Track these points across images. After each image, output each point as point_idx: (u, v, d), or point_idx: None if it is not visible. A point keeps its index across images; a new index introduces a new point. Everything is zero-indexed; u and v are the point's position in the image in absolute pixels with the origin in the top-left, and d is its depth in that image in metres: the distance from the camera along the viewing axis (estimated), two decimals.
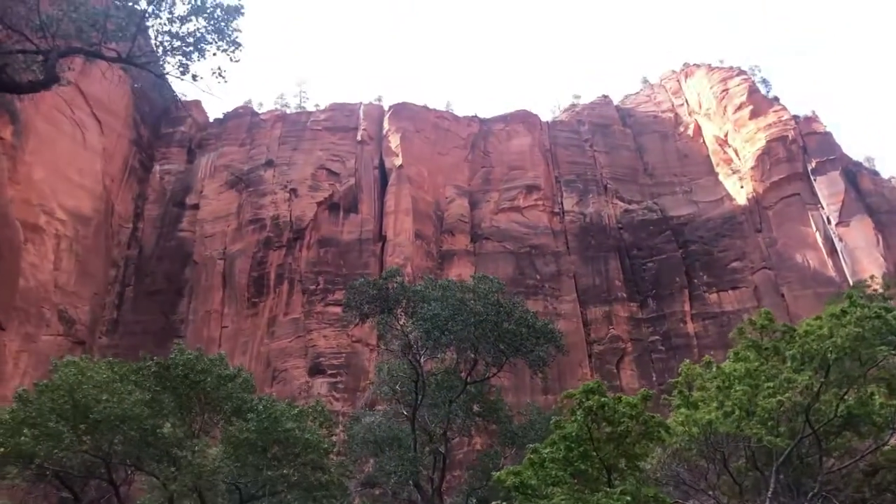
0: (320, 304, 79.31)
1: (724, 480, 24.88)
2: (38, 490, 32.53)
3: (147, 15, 16.31)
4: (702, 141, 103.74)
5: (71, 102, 78.43)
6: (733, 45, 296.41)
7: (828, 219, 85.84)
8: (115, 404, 28.43)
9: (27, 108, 70.88)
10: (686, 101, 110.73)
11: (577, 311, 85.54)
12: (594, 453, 18.76)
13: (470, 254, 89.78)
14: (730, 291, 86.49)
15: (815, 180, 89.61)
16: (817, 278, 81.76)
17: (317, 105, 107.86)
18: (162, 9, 16.35)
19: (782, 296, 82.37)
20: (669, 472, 25.96)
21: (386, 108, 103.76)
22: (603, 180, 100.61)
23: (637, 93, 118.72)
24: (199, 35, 16.65)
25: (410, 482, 36.26)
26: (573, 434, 18.87)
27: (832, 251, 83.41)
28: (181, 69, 16.58)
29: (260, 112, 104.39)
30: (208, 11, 16.54)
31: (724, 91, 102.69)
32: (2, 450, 28.02)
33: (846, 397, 22.65)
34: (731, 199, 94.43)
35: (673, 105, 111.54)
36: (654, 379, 77.80)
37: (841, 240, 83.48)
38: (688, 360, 31.48)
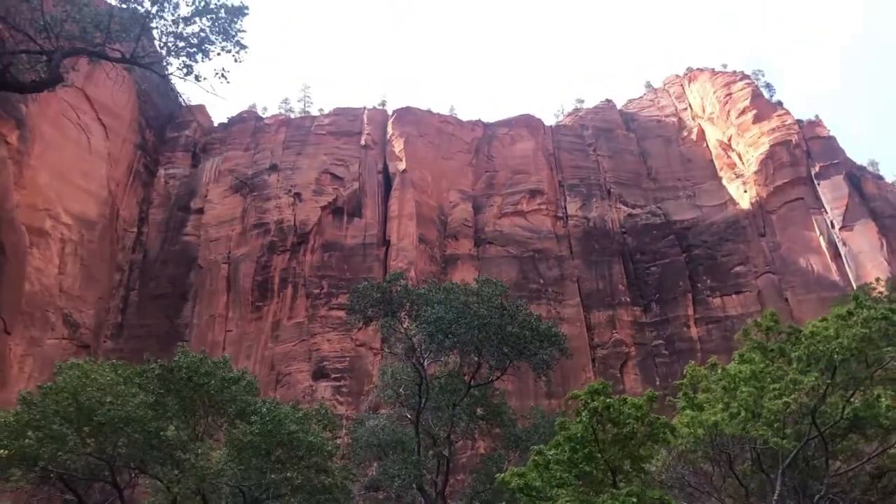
0: (324, 308, 79.35)
1: (729, 483, 24.67)
2: (42, 492, 32.49)
3: (151, 16, 16.32)
4: (705, 145, 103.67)
5: (76, 107, 78.80)
6: (736, 49, 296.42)
7: (831, 223, 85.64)
8: (119, 407, 28.39)
9: (33, 113, 71.22)
10: (689, 105, 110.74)
11: (581, 316, 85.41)
12: (599, 455, 18.60)
13: (473, 258, 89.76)
14: (733, 296, 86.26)
15: (818, 184, 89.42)
16: (821, 282, 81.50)
17: (321, 110, 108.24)
18: (166, 10, 16.37)
19: (786, 300, 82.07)
20: (674, 475, 25.76)
21: (390, 112, 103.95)
22: (606, 184, 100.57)
23: (640, 97, 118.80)
24: (203, 36, 16.66)
25: (414, 486, 36.20)
26: (578, 435, 18.74)
27: (836, 255, 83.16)
28: (185, 70, 16.61)
29: (264, 117, 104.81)
30: (212, 12, 16.56)
31: (727, 95, 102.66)
32: (6, 452, 27.97)
33: (852, 399, 22.47)
34: (734, 203, 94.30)
35: (676, 109, 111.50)
36: (658, 383, 77.44)
37: (845, 244, 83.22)
38: (693, 362, 31.31)
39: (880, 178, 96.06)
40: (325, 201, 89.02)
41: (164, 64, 16.82)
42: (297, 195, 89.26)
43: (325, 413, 35.33)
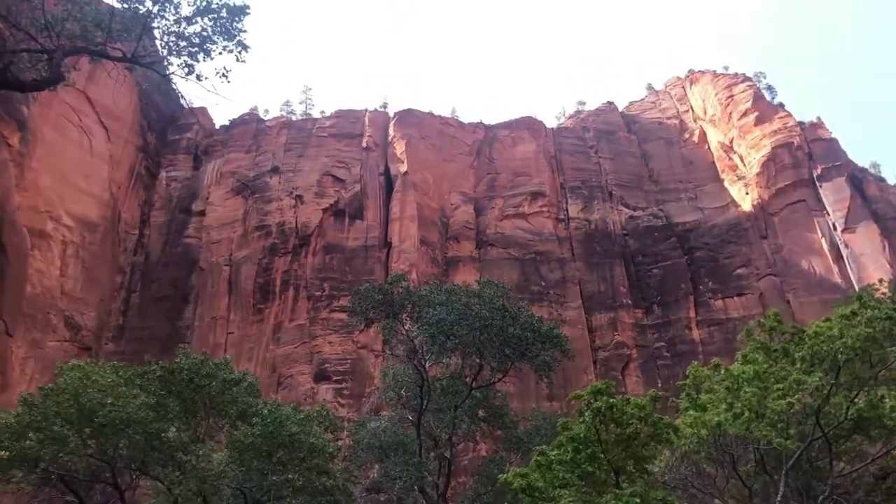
0: (325, 311, 79.33)
1: (732, 484, 24.54)
2: (43, 494, 32.42)
3: (152, 15, 16.30)
4: (707, 147, 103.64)
5: (78, 109, 78.93)
6: (738, 51, 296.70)
7: (833, 225, 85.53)
8: (120, 408, 28.31)
9: (35, 115, 71.34)
10: (691, 107, 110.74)
11: (582, 318, 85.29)
12: (602, 455, 18.49)
13: (475, 260, 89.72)
14: (735, 298, 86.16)
15: (820, 186, 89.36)
16: (823, 285, 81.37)
17: (322, 112, 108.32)
18: (167, 9, 16.34)
19: (788, 302, 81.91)
20: (678, 476, 25.63)
21: (391, 114, 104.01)
22: (608, 187, 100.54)
23: (642, 99, 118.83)
24: (204, 35, 16.63)
25: (415, 488, 36.05)
26: (581, 435, 18.63)
27: (838, 257, 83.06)
28: (186, 69, 16.56)
29: (266, 119, 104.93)
30: (214, 12, 16.53)
31: (729, 98, 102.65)
32: (7, 454, 27.92)
33: (856, 400, 22.35)
34: (736, 205, 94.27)
35: (678, 112, 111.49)
36: (660, 385, 77.21)
37: (847, 246, 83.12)
38: (696, 362, 31.18)
39: (882, 179, 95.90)
40: (326, 203, 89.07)
41: (166, 64, 16.79)
42: (299, 197, 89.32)
43: (326, 415, 35.24)
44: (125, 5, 16.31)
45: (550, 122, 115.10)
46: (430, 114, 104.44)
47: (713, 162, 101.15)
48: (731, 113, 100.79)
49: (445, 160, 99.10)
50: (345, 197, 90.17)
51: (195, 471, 28.60)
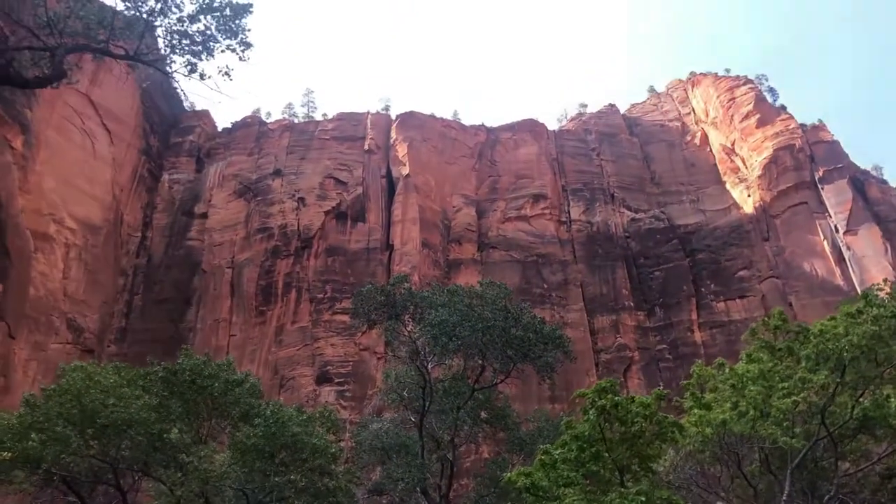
0: (328, 313, 79.36)
1: (737, 484, 24.41)
2: (45, 495, 32.30)
3: (155, 13, 16.30)
4: (709, 150, 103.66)
5: (81, 112, 79.14)
6: (740, 54, 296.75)
7: (835, 227, 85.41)
8: (123, 409, 28.23)
9: (38, 119, 71.53)
10: (693, 110, 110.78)
11: (584, 320, 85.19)
12: (606, 454, 18.37)
13: (477, 262, 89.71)
14: (737, 300, 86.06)
15: (822, 189, 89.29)
16: (825, 287, 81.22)
17: (324, 114, 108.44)
18: (170, 7, 16.31)
19: (790, 304, 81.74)
20: (682, 475, 25.50)
21: (393, 117, 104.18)
22: (610, 189, 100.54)
23: (644, 102, 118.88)
24: (208, 34, 16.63)
25: (418, 489, 35.89)
26: (585, 434, 18.53)
27: (840, 260, 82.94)
28: (189, 67, 16.54)
29: (268, 121, 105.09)
30: (217, 10, 16.52)
31: (730, 100, 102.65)
32: (9, 454, 27.85)
33: (861, 399, 22.24)
34: (738, 207, 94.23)
35: (680, 114, 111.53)
36: (662, 388, 77.10)
37: (849, 248, 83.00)
38: (700, 361, 31.07)
39: (884, 182, 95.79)
40: (328, 206, 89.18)
41: (169, 62, 16.80)
42: (301, 200, 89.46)
43: (328, 415, 35.14)
44: (128, 3, 16.34)
45: (552, 125, 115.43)
46: (432, 116, 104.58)
47: (715, 164, 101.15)
48: (732, 115, 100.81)
49: (447, 163, 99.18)
50: (347, 199, 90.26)
51: (197, 472, 28.52)
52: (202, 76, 16.36)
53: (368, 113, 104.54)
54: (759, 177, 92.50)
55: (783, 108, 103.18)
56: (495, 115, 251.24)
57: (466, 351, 36.28)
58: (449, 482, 37.18)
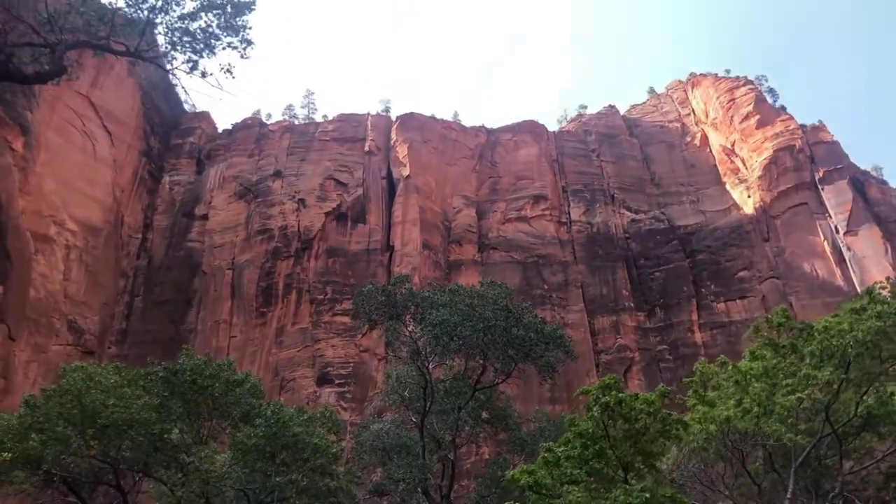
0: (328, 314, 79.30)
1: (741, 482, 24.30)
2: (45, 496, 32.10)
3: (156, 10, 16.24)
4: (709, 150, 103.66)
5: (82, 114, 79.12)
6: (740, 54, 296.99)
7: (836, 228, 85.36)
8: (123, 409, 28.14)
9: (38, 120, 71.51)
10: (693, 110, 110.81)
11: (585, 321, 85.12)
12: (610, 451, 18.26)
13: (477, 263, 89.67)
14: (738, 301, 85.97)
15: (822, 189, 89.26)
16: (825, 287, 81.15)
17: (325, 116, 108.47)
18: (171, 4, 16.24)
19: (790, 305, 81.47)
20: (686, 473, 25.39)
21: (393, 118, 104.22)
22: (610, 190, 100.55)
23: (644, 103, 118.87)
24: (209, 31, 16.57)
25: (419, 490, 35.81)
26: (589, 431, 18.41)
27: (840, 260, 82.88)
28: (190, 65, 16.48)
29: (268, 123, 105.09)
30: (219, 7, 16.46)
31: (730, 101, 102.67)
32: (9, 455, 27.68)
33: (865, 397, 22.15)
34: (738, 208, 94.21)
35: (679, 115, 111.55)
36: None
37: (849, 249, 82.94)
38: (703, 359, 30.96)
39: (884, 182, 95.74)
40: (328, 207, 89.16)
41: (170, 60, 16.73)
42: (301, 201, 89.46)
43: (329, 416, 35.11)
44: (129, 0, 16.25)
45: (552, 126, 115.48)
46: (433, 118, 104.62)
47: (715, 165, 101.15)
48: (732, 116, 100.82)
49: (448, 164, 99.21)
50: (347, 201, 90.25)
51: (198, 472, 28.46)
52: (204, 74, 16.32)
53: (369, 114, 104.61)
54: (760, 177, 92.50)
55: (783, 108, 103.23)
56: (495, 116, 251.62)
57: (467, 351, 36.25)
58: (450, 483, 37.12)
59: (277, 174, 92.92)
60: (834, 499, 22.12)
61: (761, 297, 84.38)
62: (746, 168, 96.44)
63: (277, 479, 29.61)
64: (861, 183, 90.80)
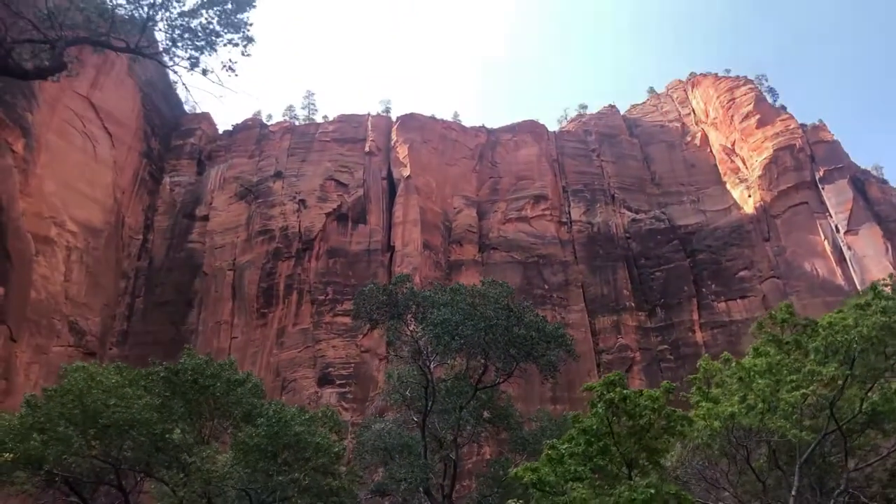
0: (329, 315, 79.26)
1: (744, 479, 24.19)
2: (47, 496, 32.01)
3: (156, 6, 16.19)
4: (709, 150, 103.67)
5: (82, 116, 79.10)
6: (740, 54, 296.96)
7: (836, 227, 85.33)
8: (125, 409, 28.08)
9: (39, 122, 71.50)
10: (693, 110, 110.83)
11: (586, 321, 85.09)
12: (614, 448, 18.18)
13: (478, 264, 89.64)
14: (738, 300, 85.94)
15: (822, 189, 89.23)
16: (826, 287, 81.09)
17: (325, 116, 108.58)
18: (171, 1, 16.17)
19: (791, 304, 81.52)
20: (690, 470, 25.31)
21: (394, 118, 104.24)
22: (610, 190, 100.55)
23: (644, 103, 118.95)
24: (210, 28, 16.51)
25: (421, 489, 35.72)
26: (593, 428, 18.33)
27: (841, 259, 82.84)
28: (191, 62, 16.43)
29: (269, 124, 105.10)
30: (219, 4, 16.41)
31: (730, 100, 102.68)
32: (11, 455, 27.65)
33: (870, 394, 22.04)
34: (738, 207, 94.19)
35: (680, 115, 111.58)
36: None
37: (849, 248, 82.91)
38: (707, 355, 30.86)
39: (884, 182, 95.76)
40: (329, 208, 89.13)
41: (171, 57, 16.67)
42: (302, 202, 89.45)
43: (330, 415, 35.05)
44: None
45: (552, 126, 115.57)
46: (433, 118, 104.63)
47: (715, 165, 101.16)
48: (732, 116, 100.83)
49: (448, 164, 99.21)
50: (348, 201, 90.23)
51: (200, 472, 28.40)
52: (205, 71, 16.29)
53: (369, 115, 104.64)
54: (760, 177, 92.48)
55: (783, 108, 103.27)
56: (495, 116, 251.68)
57: (469, 350, 36.18)
58: (452, 482, 37.04)
59: (278, 175, 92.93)
60: (839, 496, 22.01)
61: (762, 297, 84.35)
62: (747, 167, 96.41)
63: (279, 478, 29.49)
64: (861, 182, 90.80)
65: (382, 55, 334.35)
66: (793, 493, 21.39)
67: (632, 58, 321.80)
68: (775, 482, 24.00)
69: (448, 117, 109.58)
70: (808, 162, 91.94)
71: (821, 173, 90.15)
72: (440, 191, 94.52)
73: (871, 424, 23.06)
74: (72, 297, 71.37)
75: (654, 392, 18.87)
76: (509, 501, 23.43)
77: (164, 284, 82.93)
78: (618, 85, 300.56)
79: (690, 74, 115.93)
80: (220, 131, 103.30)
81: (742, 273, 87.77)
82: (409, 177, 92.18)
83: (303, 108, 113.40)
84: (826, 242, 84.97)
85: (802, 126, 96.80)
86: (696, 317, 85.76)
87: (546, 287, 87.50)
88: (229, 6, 16.55)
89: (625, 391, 18.32)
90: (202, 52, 16.47)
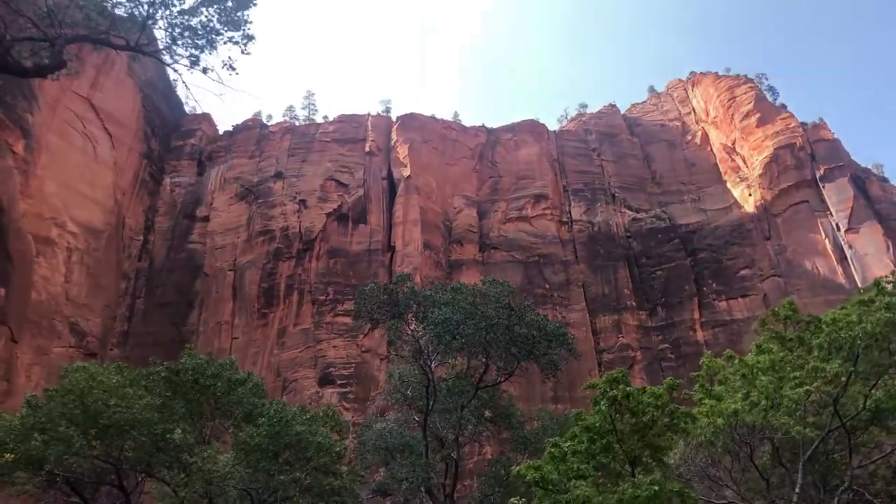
0: (330, 315, 79.21)
1: (748, 476, 24.10)
2: (48, 496, 31.95)
3: (156, 4, 16.14)
4: (709, 149, 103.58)
5: (82, 116, 79.08)
6: (740, 53, 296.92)
7: (837, 226, 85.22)
8: (126, 409, 28.04)
9: (39, 123, 71.48)
10: (693, 109, 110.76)
11: (587, 320, 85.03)
12: (617, 445, 18.10)
13: (478, 263, 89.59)
14: (739, 299, 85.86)
15: (823, 187, 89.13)
16: (827, 285, 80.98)
17: (325, 117, 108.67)
18: None
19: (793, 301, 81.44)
20: (693, 468, 25.24)
21: (394, 118, 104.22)
22: (611, 189, 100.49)
23: (644, 102, 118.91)
24: (210, 26, 16.46)
25: (422, 489, 35.63)
26: (596, 425, 18.25)
27: (842, 258, 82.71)
28: (191, 60, 16.37)
29: (269, 124, 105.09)
30: (220, 1, 16.36)
31: (731, 99, 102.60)
32: (12, 456, 27.59)
33: (874, 390, 21.97)
34: (739, 206, 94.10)
35: (680, 114, 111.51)
36: None
37: (850, 246, 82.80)
38: (710, 353, 30.79)
39: (885, 180, 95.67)
40: (329, 208, 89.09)
41: (171, 55, 16.60)
42: (302, 202, 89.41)
43: (332, 415, 34.99)
44: None
45: (553, 125, 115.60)
46: (433, 118, 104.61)
47: (716, 163, 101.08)
48: (733, 115, 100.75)
49: (448, 164, 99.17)
50: (348, 201, 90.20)
51: (201, 472, 28.35)
52: (205, 70, 16.24)
53: (369, 115, 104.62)
54: (760, 175, 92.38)
55: (783, 106, 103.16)
56: (495, 116, 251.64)
57: (470, 349, 36.10)
58: (453, 481, 36.96)
59: (278, 175, 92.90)
60: (842, 493, 21.92)
61: (763, 296, 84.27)
62: (747, 166, 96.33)
63: (281, 478, 29.41)
64: (862, 180, 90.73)
65: (382, 55, 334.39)
66: (796, 490, 21.32)
67: (632, 57, 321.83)
68: (779, 479, 23.91)
69: (448, 117, 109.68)
70: (808, 160, 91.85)
71: (821, 172, 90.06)
72: (440, 190, 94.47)
73: (874, 421, 22.98)
74: (73, 298, 71.33)
75: (658, 389, 18.75)
76: (512, 500, 23.33)
77: (165, 285, 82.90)
78: (618, 84, 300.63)
79: (691, 73, 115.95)
80: (221, 132, 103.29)
81: (743, 272, 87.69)
82: (409, 177, 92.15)
83: (303, 109, 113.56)
84: (827, 241, 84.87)
85: (803, 124, 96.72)
86: (696, 316, 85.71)
87: (547, 286, 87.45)
88: (229, 4, 16.50)
89: (628, 388, 18.21)
90: (202, 51, 16.44)
